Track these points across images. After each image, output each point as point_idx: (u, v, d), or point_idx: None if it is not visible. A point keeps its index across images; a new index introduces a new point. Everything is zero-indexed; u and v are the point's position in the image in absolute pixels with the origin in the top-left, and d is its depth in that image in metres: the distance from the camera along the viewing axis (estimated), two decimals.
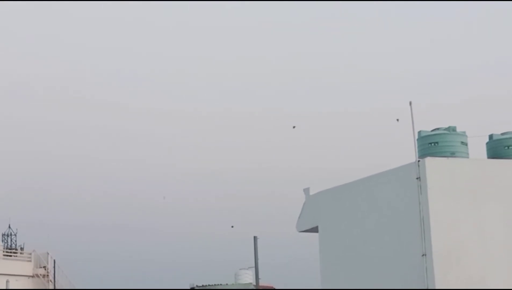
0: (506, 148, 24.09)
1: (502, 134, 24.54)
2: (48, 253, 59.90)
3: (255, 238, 30.68)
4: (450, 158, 22.87)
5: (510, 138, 24.25)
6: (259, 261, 31.85)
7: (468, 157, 23.50)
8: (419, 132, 23.74)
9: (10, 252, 59.49)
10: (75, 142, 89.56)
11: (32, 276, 58.42)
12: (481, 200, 22.47)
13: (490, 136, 24.54)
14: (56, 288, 58.44)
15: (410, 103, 22.90)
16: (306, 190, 26.51)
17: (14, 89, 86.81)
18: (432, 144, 23.50)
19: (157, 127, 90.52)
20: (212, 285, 51.49)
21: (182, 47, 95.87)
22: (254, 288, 39.37)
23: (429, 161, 22.33)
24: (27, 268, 58.36)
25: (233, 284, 51.71)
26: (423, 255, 21.89)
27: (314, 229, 26.27)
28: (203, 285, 51.81)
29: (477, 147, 24.21)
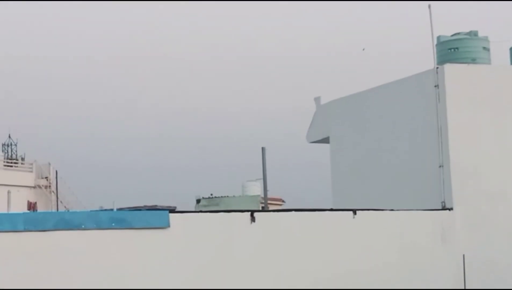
0: None
1: None
2: (49, 164, 59.47)
3: (263, 149, 29.56)
4: (470, 65, 21.78)
5: None
6: (267, 173, 30.96)
7: (490, 64, 22.40)
8: (438, 37, 22.61)
9: (11, 163, 58.99)
10: (77, 47, 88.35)
11: (34, 187, 58.15)
12: (503, 109, 21.43)
13: None
14: (58, 198, 58.13)
15: (429, 6, 21.68)
16: (317, 99, 25.62)
17: None
18: (452, 50, 22.40)
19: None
20: (219, 197, 51.07)
21: None
22: (262, 200, 38.71)
23: (448, 67, 21.24)
24: (28, 178, 58.00)
25: (240, 196, 51.36)
26: (440, 166, 20.95)
27: (325, 140, 25.47)
28: (210, 197, 51.42)
29: (500, 53, 23.14)
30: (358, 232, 18.61)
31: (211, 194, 51.16)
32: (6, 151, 60.38)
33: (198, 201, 51.04)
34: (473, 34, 22.52)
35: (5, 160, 58.68)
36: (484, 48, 22.45)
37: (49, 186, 58.59)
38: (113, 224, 14.92)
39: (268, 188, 34.48)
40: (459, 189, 20.76)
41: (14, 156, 60.20)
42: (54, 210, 53.74)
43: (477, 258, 20.34)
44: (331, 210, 19.08)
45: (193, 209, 43.50)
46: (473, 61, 22.09)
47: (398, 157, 22.48)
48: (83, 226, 14.65)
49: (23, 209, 47.22)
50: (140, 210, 19.32)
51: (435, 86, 21.20)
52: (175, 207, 23.58)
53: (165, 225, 15.51)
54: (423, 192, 21.41)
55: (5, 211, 16.75)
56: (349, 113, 24.42)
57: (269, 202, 38.73)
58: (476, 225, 20.65)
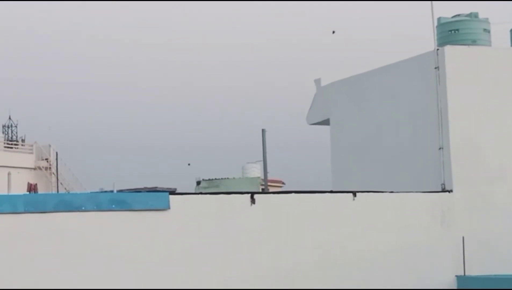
0: None
1: None
2: (50, 145, 59.47)
3: (263, 131, 29.72)
4: (471, 47, 21.72)
5: None
6: (267, 155, 31.08)
7: (490, 46, 22.32)
8: (439, 19, 22.53)
9: (11, 144, 58.99)
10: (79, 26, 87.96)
11: (34, 169, 58.16)
12: (503, 91, 21.38)
13: None
14: (58, 180, 58.15)
15: None
16: (317, 81, 25.57)
17: None
18: (452, 32, 22.33)
19: None
20: (219, 179, 51.12)
21: None
22: (262, 182, 38.78)
23: (448, 49, 21.18)
24: (29, 160, 58.02)
25: (240, 178, 51.39)
26: (440, 148, 20.94)
27: (326, 122, 25.45)
28: (209, 179, 51.45)
29: (500, 35, 23.04)
30: (358, 214, 18.63)
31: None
32: (6, 133, 60.41)
33: (198, 183, 51.08)
34: (473, 15, 22.45)
35: (6, 142, 58.69)
36: (484, 29, 22.37)
37: (50, 167, 58.61)
38: (113, 206, 14.94)
39: (268, 170, 34.77)
40: (459, 171, 20.73)
41: (14, 138, 60.24)
42: (54, 191, 53.75)
43: (476, 240, 20.34)
44: (331, 192, 19.08)
45: (193, 191, 43.52)
46: (474, 42, 22.02)
47: (398, 139, 22.47)
48: (83, 208, 14.67)
49: (23, 190, 47.30)
50: (140, 191, 19.32)
51: (436, 68, 21.15)
52: (175, 189, 23.59)
53: (165, 207, 15.53)
54: (423, 174, 21.40)
55: (5, 193, 16.79)
56: (349, 95, 24.38)
57: (269, 184, 38.86)
58: (476, 207, 20.64)
